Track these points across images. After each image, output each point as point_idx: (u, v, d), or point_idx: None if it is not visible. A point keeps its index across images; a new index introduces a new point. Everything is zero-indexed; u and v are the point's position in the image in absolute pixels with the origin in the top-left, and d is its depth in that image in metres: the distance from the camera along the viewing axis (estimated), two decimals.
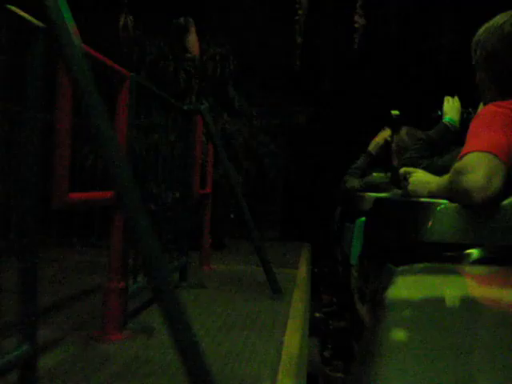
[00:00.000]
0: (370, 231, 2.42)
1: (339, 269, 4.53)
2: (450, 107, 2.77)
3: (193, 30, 6.45)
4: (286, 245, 6.92)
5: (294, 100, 7.53)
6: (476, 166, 1.43)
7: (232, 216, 6.27)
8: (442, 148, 2.15)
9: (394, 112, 3.87)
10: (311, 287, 4.72)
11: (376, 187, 3.55)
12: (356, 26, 6.30)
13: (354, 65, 7.24)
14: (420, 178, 1.76)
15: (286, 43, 6.78)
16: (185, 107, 3.72)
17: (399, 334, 0.69)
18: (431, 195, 1.62)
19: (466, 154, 1.47)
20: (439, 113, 2.77)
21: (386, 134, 4.08)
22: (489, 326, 0.74)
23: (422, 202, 1.62)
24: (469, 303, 0.89)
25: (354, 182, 4.00)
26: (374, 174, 3.84)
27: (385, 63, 7.28)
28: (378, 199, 2.35)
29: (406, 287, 0.97)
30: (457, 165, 1.48)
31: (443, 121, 2.70)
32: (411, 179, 1.78)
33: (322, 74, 7.49)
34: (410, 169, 1.86)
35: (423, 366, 0.55)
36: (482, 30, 1.76)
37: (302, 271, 4.91)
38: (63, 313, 2.97)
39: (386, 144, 4.00)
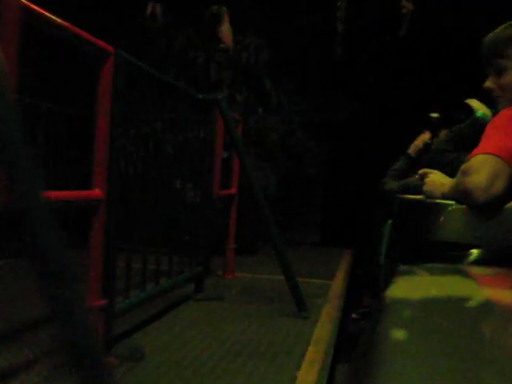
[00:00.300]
0: (391, 232, 2.44)
1: (375, 270, 4.28)
2: (479, 105, 2.91)
3: (226, 18, 6.06)
4: (325, 251, 6.43)
5: (336, 94, 7.01)
6: (480, 168, 1.46)
7: None
8: (473, 142, 1.91)
9: (434, 115, 3.85)
10: (351, 289, 4.36)
11: (413, 189, 3.20)
12: (404, 11, 5.73)
13: (399, 55, 6.64)
14: (435, 179, 1.74)
15: (327, 32, 6.26)
16: (199, 96, 3.29)
17: (398, 334, 0.68)
18: (444, 196, 1.63)
19: (473, 155, 1.50)
20: (463, 117, 2.94)
21: (425, 137, 3.97)
22: (489, 326, 0.75)
23: (433, 203, 1.62)
24: (468, 304, 0.89)
25: (392, 185, 3.81)
26: (417, 177, 3.50)
27: (433, 56, 6.66)
28: (400, 201, 2.21)
29: (406, 287, 0.97)
30: (463, 166, 1.51)
31: (475, 116, 2.82)
32: (427, 180, 1.75)
33: (364, 66, 6.92)
34: (428, 170, 1.82)
35: (422, 365, 0.56)
36: (502, 29, 1.72)
37: (338, 283, 4.41)
38: (43, 331, 2.56)
39: (426, 147, 3.86)
